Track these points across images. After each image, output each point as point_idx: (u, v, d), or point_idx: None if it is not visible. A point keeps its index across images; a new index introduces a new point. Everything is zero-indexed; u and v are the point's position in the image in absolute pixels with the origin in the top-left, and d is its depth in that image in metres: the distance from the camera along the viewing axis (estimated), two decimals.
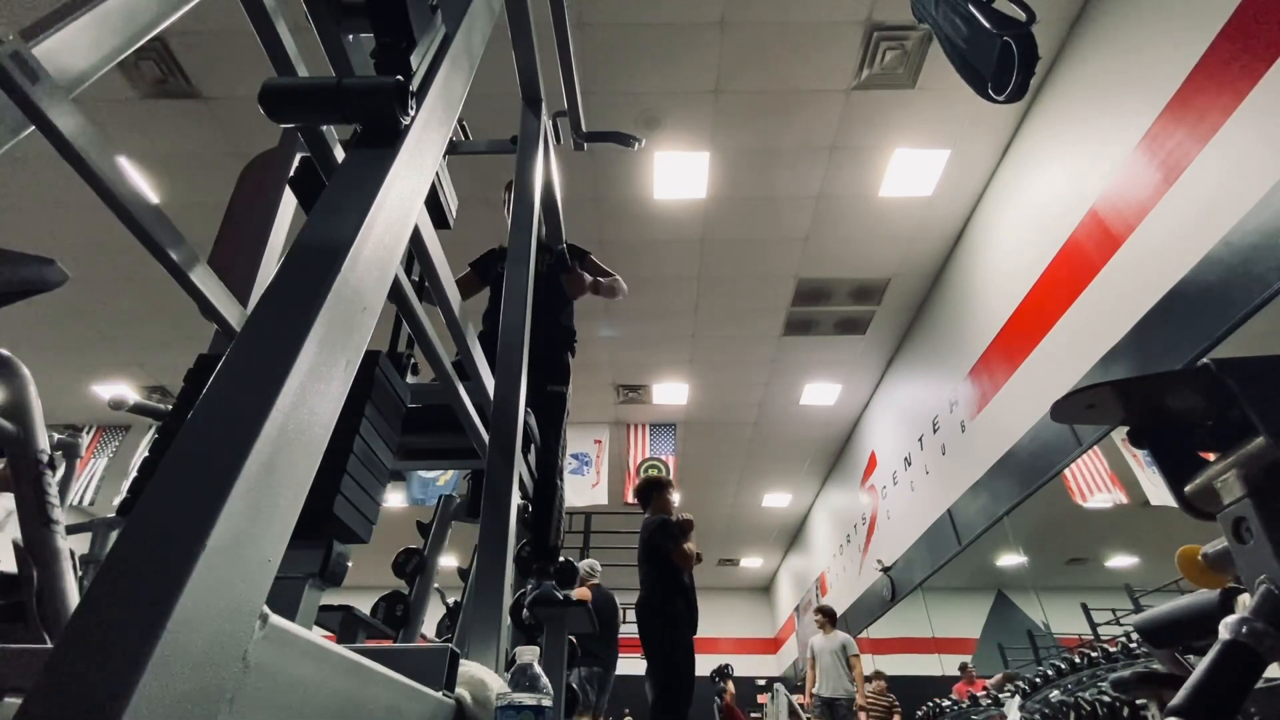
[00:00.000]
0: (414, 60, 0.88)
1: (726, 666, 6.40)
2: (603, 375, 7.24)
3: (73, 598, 0.85)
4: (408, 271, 1.50)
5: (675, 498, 4.14)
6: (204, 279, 1.05)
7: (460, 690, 0.88)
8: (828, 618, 6.43)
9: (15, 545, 0.83)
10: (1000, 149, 4.70)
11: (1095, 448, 4.01)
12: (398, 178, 0.74)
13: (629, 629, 6.07)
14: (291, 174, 1.12)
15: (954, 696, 3.83)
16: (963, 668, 6.61)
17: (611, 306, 6.19)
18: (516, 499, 1.44)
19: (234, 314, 1.14)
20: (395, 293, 1.21)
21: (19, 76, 0.68)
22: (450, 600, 2.97)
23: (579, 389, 8.34)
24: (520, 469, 1.53)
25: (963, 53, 2.12)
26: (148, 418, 2.05)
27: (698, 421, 7.97)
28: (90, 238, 5.07)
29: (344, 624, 2.32)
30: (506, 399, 1.56)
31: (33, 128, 0.73)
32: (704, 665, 4.85)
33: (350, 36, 1.18)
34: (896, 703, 6.36)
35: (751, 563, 12.70)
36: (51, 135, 0.73)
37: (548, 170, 2.26)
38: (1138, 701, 2.79)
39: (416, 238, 1.15)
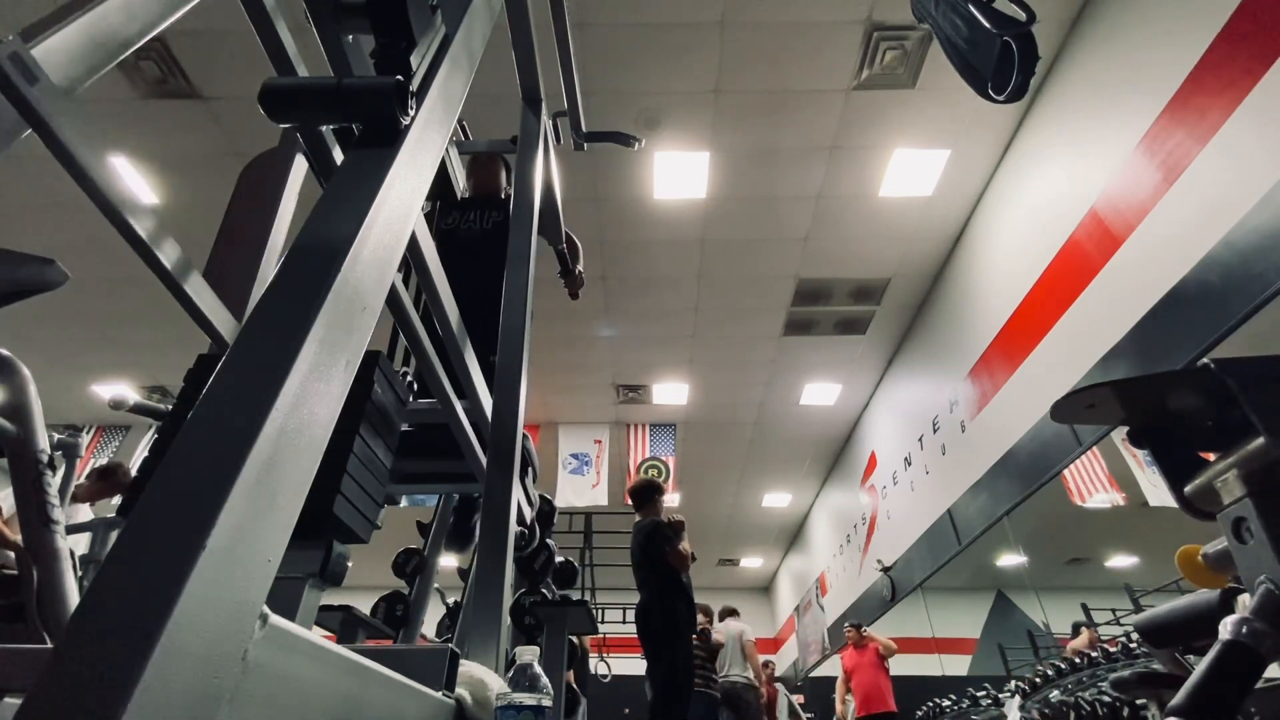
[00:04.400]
0: (414, 60, 0.88)
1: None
2: (603, 375, 7.24)
3: (73, 598, 0.85)
4: (405, 283, 1.48)
5: (674, 501, 4.15)
6: (196, 287, 1.02)
7: (460, 690, 0.88)
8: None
9: (15, 545, 0.83)
10: (1000, 149, 4.70)
11: (1094, 448, 4.01)
12: (398, 178, 0.74)
13: (628, 629, 6.07)
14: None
15: (1068, 655, 3.64)
16: (1078, 628, 5.90)
17: (612, 306, 6.20)
18: (514, 522, 1.37)
19: (225, 323, 1.11)
20: (393, 304, 1.20)
21: (16, 78, 0.68)
22: (450, 600, 2.97)
23: (578, 389, 8.27)
24: (518, 494, 1.47)
25: (963, 53, 2.12)
26: (148, 418, 2.05)
27: (698, 421, 7.97)
28: (90, 238, 5.06)
29: (344, 624, 2.32)
30: (505, 414, 1.50)
31: (30, 129, 0.73)
32: None
33: (350, 36, 1.18)
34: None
35: (751, 563, 12.69)
36: (47, 137, 0.73)
37: (548, 170, 2.26)
38: (1138, 701, 2.79)
39: (413, 245, 1.13)
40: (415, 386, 1.68)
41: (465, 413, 1.49)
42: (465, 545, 2.44)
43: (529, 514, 2.01)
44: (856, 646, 6.35)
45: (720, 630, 5.62)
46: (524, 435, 1.60)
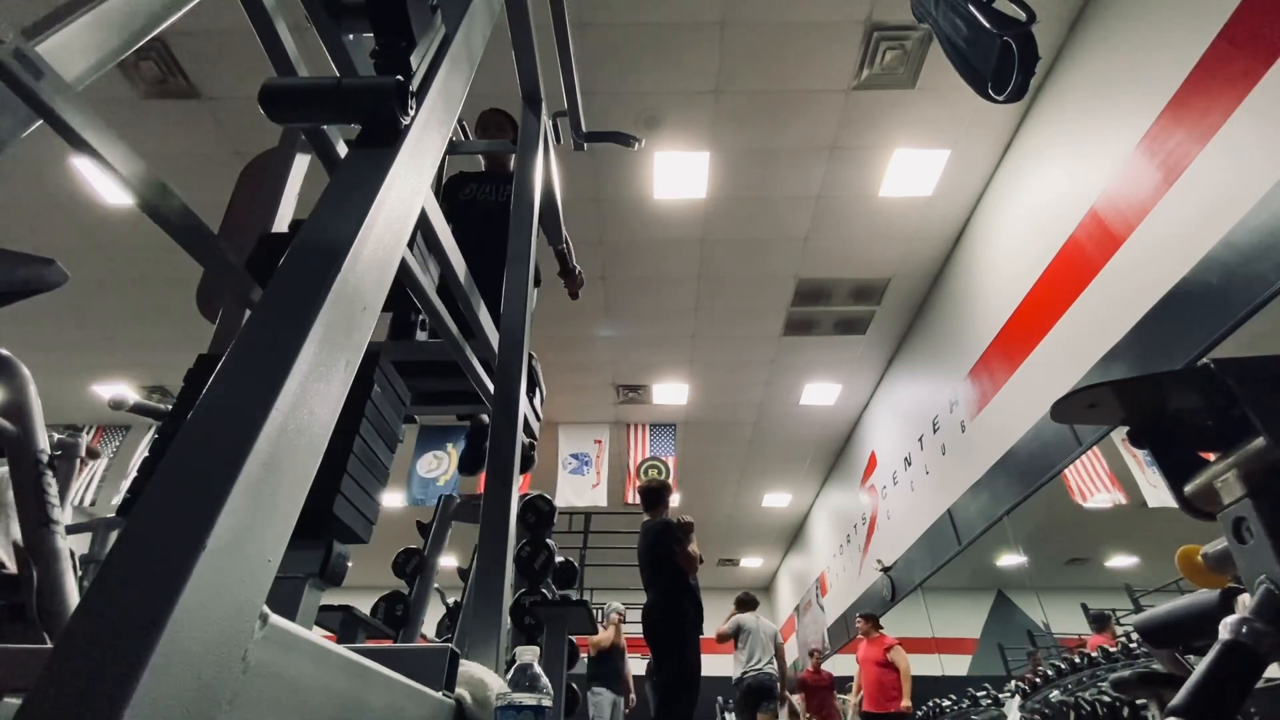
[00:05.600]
0: (414, 60, 0.88)
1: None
2: (603, 375, 7.24)
3: (73, 598, 0.85)
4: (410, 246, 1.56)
5: (674, 501, 4.15)
6: (220, 253, 1.07)
7: (460, 690, 0.87)
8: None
9: (15, 545, 0.83)
10: (1000, 149, 4.70)
11: (1095, 448, 4.01)
12: (398, 178, 0.74)
13: (632, 629, 6.07)
14: (249, 256, 1.16)
15: (1087, 650, 3.58)
16: (1101, 620, 5.67)
17: (612, 306, 6.19)
18: (522, 438, 1.51)
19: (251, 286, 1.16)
20: (403, 272, 1.25)
21: (22, 73, 0.68)
22: (450, 600, 2.97)
23: (579, 389, 8.25)
24: (525, 410, 1.62)
25: (963, 53, 2.12)
26: (148, 418, 2.05)
27: (698, 421, 7.97)
28: (90, 238, 5.07)
29: (344, 624, 2.32)
30: (511, 338, 1.62)
31: (40, 121, 0.73)
32: (711, 665, 4.85)
33: (350, 36, 1.18)
34: None
35: (751, 563, 12.70)
36: (58, 127, 0.73)
37: (548, 170, 2.26)
38: (1138, 701, 2.79)
39: (426, 225, 1.17)
40: (429, 323, 1.76)
41: (473, 350, 1.64)
42: (477, 468, 2.50)
43: (536, 428, 2.11)
44: (867, 639, 6.29)
45: (744, 621, 5.75)
46: (530, 355, 1.77)
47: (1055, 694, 3.49)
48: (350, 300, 0.61)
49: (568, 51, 2.37)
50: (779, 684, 5.54)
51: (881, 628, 6.35)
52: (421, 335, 1.75)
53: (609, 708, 5.13)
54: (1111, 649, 3.31)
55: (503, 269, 1.80)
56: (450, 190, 2.57)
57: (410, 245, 1.50)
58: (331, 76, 0.82)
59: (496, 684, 0.95)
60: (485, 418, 2.40)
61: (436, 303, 1.39)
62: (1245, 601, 0.77)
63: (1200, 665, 0.73)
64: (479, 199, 2.49)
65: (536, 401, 2.13)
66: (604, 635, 5.27)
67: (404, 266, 1.25)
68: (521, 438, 1.52)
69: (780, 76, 4.23)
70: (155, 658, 0.34)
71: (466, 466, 2.61)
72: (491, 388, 1.65)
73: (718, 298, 6.10)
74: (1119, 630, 5.65)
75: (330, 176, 0.72)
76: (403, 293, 1.31)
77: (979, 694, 4.86)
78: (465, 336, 1.59)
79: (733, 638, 5.70)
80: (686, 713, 3.34)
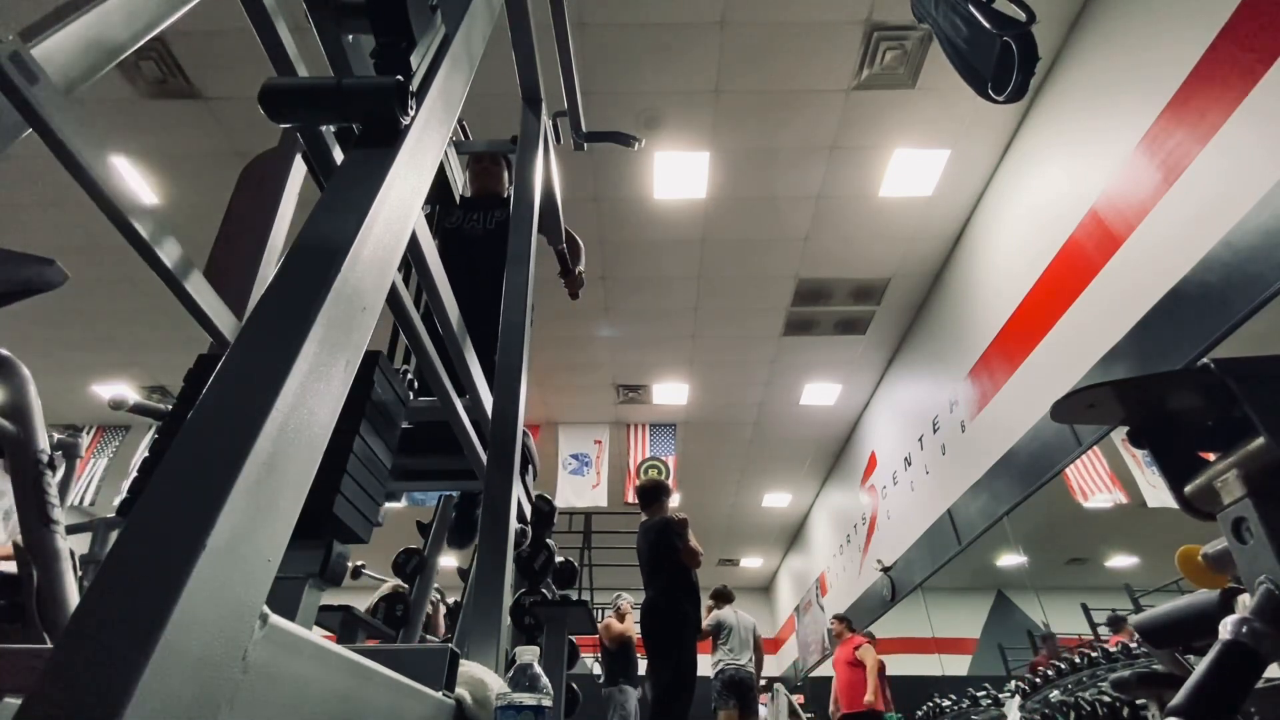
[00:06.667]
0: (414, 60, 0.88)
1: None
2: (603, 375, 7.24)
3: (73, 598, 0.85)
4: (405, 282, 1.48)
5: (674, 501, 4.14)
6: (197, 286, 1.03)
7: (460, 690, 0.88)
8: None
9: (15, 545, 0.83)
10: (1000, 149, 4.70)
11: (1095, 448, 4.01)
12: (398, 178, 0.74)
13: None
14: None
15: (1110, 647, 3.58)
16: (1117, 621, 5.72)
17: (612, 306, 6.19)
18: (515, 519, 1.36)
19: (227, 323, 1.12)
20: (393, 303, 1.20)
21: (17, 77, 0.68)
22: (451, 600, 2.97)
23: (579, 389, 8.26)
24: (518, 490, 1.45)
25: (963, 53, 2.12)
26: (148, 418, 2.05)
27: (698, 421, 7.97)
28: (90, 238, 5.07)
29: (344, 624, 2.33)
30: (505, 412, 1.50)
31: (30, 129, 0.73)
32: (704, 665, 4.83)
33: (350, 36, 1.18)
34: None
35: (751, 563, 12.69)
36: (48, 137, 0.73)
37: (548, 170, 2.25)
38: (1138, 701, 2.79)
39: (413, 244, 1.13)
40: (416, 384, 1.68)
41: (465, 410, 1.49)
42: (467, 541, 2.43)
43: (528, 510, 1.99)
44: (841, 641, 6.29)
45: (724, 617, 5.63)
46: (524, 432, 1.59)
47: (1055, 694, 3.49)
48: (350, 300, 0.61)
49: (568, 51, 2.37)
50: (757, 681, 5.45)
51: (855, 629, 6.35)
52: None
53: (635, 704, 5.05)
54: (1112, 649, 3.31)
55: (495, 313, 1.62)
56: (432, 219, 2.35)
57: (405, 281, 1.41)
58: (331, 76, 0.82)
59: (496, 684, 0.95)
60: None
61: (429, 346, 1.27)
62: (1245, 601, 0.78)
63: (1200, 665, 0.73)
64: (465, 227, 2.28)
65: (529, 479, 1.98)
66: (624, 626, 5.21)
67: (394, 297, 1.17)
68: (514, 524, 1.35)
69: (780, 76, 4.23)
70: (155, 658, 0.34)
71: (455, 540, 2.44)
72: (485, 457, 1.45)
73: (718, 298, 6.10)
74: None
75: (325, 179, 0.72)
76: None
77: (979, 694, 4.86)
78: (457, 393, 1.43)
79: (713, 634, 5.56)
80: (682, 712, 3.34)
